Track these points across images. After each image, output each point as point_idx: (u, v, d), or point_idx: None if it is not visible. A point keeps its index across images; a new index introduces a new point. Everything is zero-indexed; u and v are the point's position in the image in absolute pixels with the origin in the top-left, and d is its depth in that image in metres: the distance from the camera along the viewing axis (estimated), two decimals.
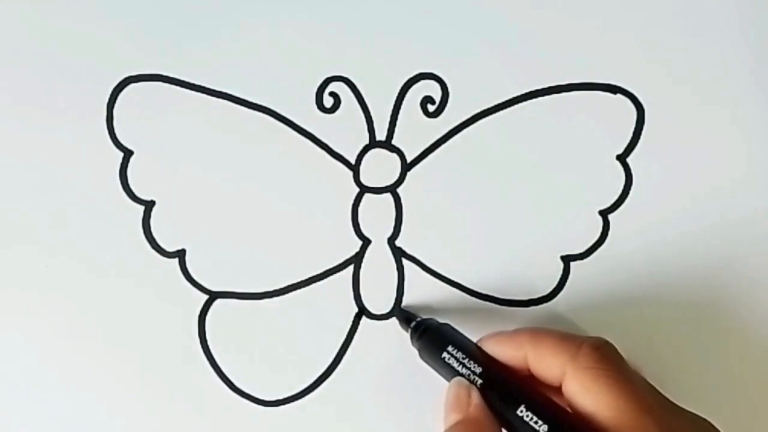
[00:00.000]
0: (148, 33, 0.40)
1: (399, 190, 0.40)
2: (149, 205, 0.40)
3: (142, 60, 0.40)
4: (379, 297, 0.40)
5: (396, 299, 0.39)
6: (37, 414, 0.39)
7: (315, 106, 0.40)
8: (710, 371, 0.39)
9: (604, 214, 0.39)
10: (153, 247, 0.39)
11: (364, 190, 0.40)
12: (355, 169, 0.40)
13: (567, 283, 0.39)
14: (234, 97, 0.40)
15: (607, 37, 0.40)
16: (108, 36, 0.40)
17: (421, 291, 0.39)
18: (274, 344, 0.39)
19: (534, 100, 0.40)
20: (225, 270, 0.40)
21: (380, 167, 0.40)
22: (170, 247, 0.40)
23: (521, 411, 0.32)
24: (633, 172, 0.39)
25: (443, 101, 0.40)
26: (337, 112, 0.40)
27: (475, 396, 0.34)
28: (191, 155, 0.40)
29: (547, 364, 0.33)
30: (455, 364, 0.35)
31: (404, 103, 0.40)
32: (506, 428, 0.33)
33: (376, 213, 0.40)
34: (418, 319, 0.38)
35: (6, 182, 0.40)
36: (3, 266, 0.39)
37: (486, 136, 0.40)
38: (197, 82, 0.40)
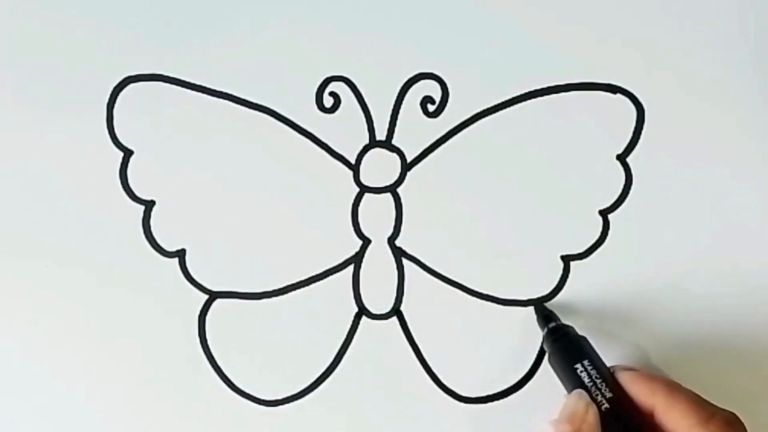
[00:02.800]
0: (148, 33, 0.40)
1: (399, 190, 0.40)
2: (149, 205, 0.40)
3: (142, 60, 0.40)
4: (379, 297, 0.40)
5: (396, 299, 0.39)
6: (36, 413, 0.39)
7: (315, 106, 0.40)
8: (709, 370, 0.39)
9: (604, 214, 0.39)
10: (153, 247, 0.39)
11: (364, 190, 0.40)
12: (355, 169, 0.40)
13: (567, 283, 0.39)
14: (234, 97, 0.40)
15: (608, 37, 0.40)
16: (108, 36, 0.40)
17: (421, 291, 0.39)
18: (274, 344, 0.39)
19: (534, 100, 0.40)
20: (225, 270, 0.40)
21: (380, 167, 0.40)
22: (170, 247, 0.40)
23: None
24: (633, 172, 0.39)
25: (443, 101, 0.40)
26: (337, 112, 0.40)
27: (592, 415, 0.34)
28: (191, 155, 0.40)
29: (674, 419, 0.34)
30: (586, 379, 0.35)
31: (404, 103, 0.40)
32: None
33: (376, 213, 0.40)
34: (558, 322, 0.38)
35: (6, 182, 0.40)
36: (3, 266, 0.39)
37: (486, 136, 0.40)
38: (197, 82, 0.40)
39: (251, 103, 0.40)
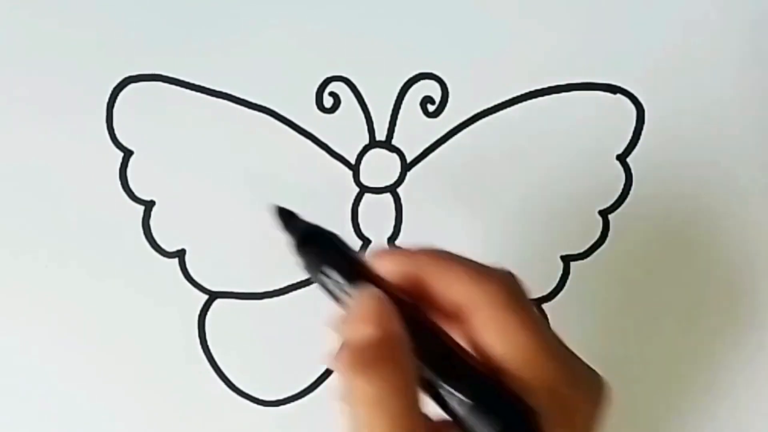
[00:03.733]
0: (148, 33, 0.40)
1: (399, 190, 0.40)
2: (149, 205, 0.40)
3: (142, 60, 0.40)
4: None
5: None
6: (36, 413, 0.39)
7: (315, 106, 0.40)
8: (709, 370, 0.39)
9: (604, 214, 0.39)
10: (153, 247, 0.39)
11: (364, 190, 0.40)
12: (355, 169, 0.40)
13: (567, 283, 0.39)
14: (234, 97, 0.40)
15: (607, 37, 0.40)
16: (108, 36, 0.40)
17: None
18: (274, 344, 0.39)
19: (534, 100, 0.40)
20: (225, 270, 0.40)
21: (380, 167, 0.40)
22: (170, 247, 0.40)
23: (443, 337, 0.29)
24: (633, 172, 0.39)
25: (443, 101, 0.40)
26: (337, 112, 0.40)
27: (397, 316, 0.29)
28: (191, 155, 0.40)
29: (449, 284, 0.30)
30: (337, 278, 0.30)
31: (404, 103, 0.40)
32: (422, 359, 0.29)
33: (376, 213, 0.40)
34: (303, 222, 0.33)
35: (6, 182, 0.40)
36: (3, 266, 0.39)
37: (486, 136, 0.40)
38: (197, 82, 0.40)
39: (251, 103, 0.40)
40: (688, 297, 0.39)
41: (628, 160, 0.39)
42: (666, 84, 0.39)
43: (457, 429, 0.29)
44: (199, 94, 0.40)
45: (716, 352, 0.39)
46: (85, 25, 0.40)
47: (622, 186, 0.39)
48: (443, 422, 0.30)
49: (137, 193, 0.40)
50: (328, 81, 0.40)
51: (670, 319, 0.39)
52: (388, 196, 0.40)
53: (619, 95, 0.40)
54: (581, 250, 0.39)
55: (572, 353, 0.31)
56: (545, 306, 0.39)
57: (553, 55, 0.40)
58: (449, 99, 0.40)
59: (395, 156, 0.40)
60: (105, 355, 0.39)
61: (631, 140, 0.39)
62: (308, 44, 0.40)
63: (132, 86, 0.40)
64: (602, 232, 0.39)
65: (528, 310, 0.30)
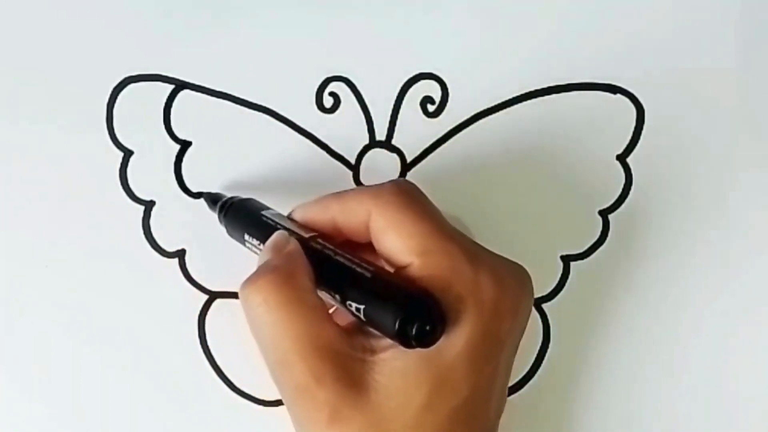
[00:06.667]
0: (148, 33, 0.40)
1: None
2: (149, 205, 0.40)
3: (142, 60, 0.40)
4: None
5: None
6: (36, 413, 0.39)
7: (315, 106, 0.40)
8: (709, 370, 0.39)
9: (604, 214, 0.39)
10: (153, 247, 0.39)
11: None
12: (355, 169, 0.40)
13: (567, 283, 0.39)
14: (234, 97, 0.40)
15: (607, 37, 0.40)
16: (108, 36, 0.40)
17: None
18: None
19: (534, 100, 0.40)
20: (225, 270, 0.39)
21: (380, 167, 0.40)
22: (170, 247, 0.40)
23: (340, 257, 0.31)
24: (633, 172, 0.39)
25: (443, 101, 0.40)
26: (337, 112, 0.40)
27: (293, 243, 0.32)
28: (191, 155, 0.40)
29: (352, 211, 0.33)
30: (273, 223, 0.35)
31: (404, 103, 0.40)
32: (324, 279, 0.32)
33: None
34: (226, 197, 0.38)
35: (6, 182, 0.40)
36: (3, 266, 0.39)
37: (486, 136, 0.40)
38: (197, 82, 0.40)
39: (251, 103, 0.40)
40: (688, 297, 0.39)
41: (628, 160, 0.39)
42: (666, 84, 0.39)
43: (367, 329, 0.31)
44: (199, 94, 0.40)
45: (717, 351, 0.39)
46: (85, 24, 0.40)
47: (622, 186, 0.39)
48: (356, 325, 0.32)
49: (137, 193, 0.40)
50: (328, 81, 0.40)
51: (670, 319, 0.39)
52: None
53: (619, 95, 0.40)
54: (581, 250, 0.39)
55: (475, 242, 0.32)
56: (545, 306, 0.39)
57: (553, 55, 0.40)
58: (449, 99, 0.40)
59: (395, 156, 0.40)
60: (104, 355, 0.39)
61: (631, 140, 0.39)
62: (308, 44, 0.40)
63: (132, 86, 0.40)
64: (602, 232, 0.39)
65: (421, 205, 0.32)
